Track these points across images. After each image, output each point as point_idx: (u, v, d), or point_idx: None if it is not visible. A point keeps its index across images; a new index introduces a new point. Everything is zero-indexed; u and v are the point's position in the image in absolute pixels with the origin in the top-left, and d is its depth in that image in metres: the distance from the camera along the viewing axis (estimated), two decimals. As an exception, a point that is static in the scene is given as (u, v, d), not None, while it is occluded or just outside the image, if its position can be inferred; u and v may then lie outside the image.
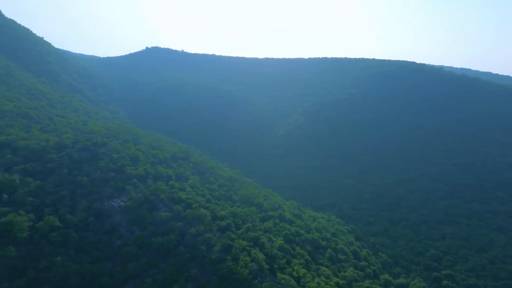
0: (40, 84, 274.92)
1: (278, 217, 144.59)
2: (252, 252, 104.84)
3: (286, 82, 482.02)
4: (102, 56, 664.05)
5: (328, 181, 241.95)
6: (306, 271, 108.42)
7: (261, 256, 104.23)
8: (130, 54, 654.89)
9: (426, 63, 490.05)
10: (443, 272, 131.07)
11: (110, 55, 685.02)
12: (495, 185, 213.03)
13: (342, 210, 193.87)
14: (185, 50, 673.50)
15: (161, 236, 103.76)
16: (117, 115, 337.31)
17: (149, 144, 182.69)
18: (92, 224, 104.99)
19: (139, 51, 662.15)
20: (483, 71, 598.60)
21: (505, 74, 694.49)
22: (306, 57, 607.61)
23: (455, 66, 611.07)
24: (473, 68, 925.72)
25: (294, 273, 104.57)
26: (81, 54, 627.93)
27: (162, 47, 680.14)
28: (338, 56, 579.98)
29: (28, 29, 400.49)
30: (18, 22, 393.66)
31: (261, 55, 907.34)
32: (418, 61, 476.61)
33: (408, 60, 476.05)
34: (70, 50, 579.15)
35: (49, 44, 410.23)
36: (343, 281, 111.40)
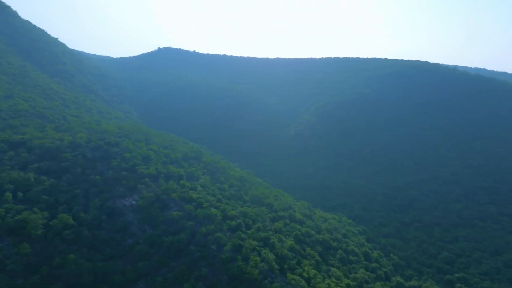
0: (55, 84, 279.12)
1: (289, 218, 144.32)
2: (262, 252, 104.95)
3: (298, 82, 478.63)
4: (115, 56, 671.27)
5: (340, 181, 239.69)
6: (317, 272, 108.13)
7: (271, 256, 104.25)
8: (143, 54, 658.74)
9: (440, 63, 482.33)
10: (456, 275, 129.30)
11: (123, 56, 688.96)
12: (511, 187, 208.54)
13: (353, 211, 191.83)
14: (197, 51, 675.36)
15: (172, 235, 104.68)
16: (130, 115, 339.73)
17: (160, 144, 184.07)
18: (104, 223, 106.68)
19: (151, 51, 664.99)
20: (498, 71, 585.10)
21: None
22: (317, 57, 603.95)
23: (469, 66, 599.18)
24: (488, 68, 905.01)
25: (305, 274, 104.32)
26: (95, 54, 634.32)
27: (174, 47, 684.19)
28: (350, 56, 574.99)
29: (43, 30, 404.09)
30: (33, 23, 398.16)
31: (272, 55, 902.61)
32: (431, 61, 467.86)
33: (422, 60, 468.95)
34: (84, 51, 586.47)
35: (63, 45, 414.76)
36: (354, 283, 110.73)
